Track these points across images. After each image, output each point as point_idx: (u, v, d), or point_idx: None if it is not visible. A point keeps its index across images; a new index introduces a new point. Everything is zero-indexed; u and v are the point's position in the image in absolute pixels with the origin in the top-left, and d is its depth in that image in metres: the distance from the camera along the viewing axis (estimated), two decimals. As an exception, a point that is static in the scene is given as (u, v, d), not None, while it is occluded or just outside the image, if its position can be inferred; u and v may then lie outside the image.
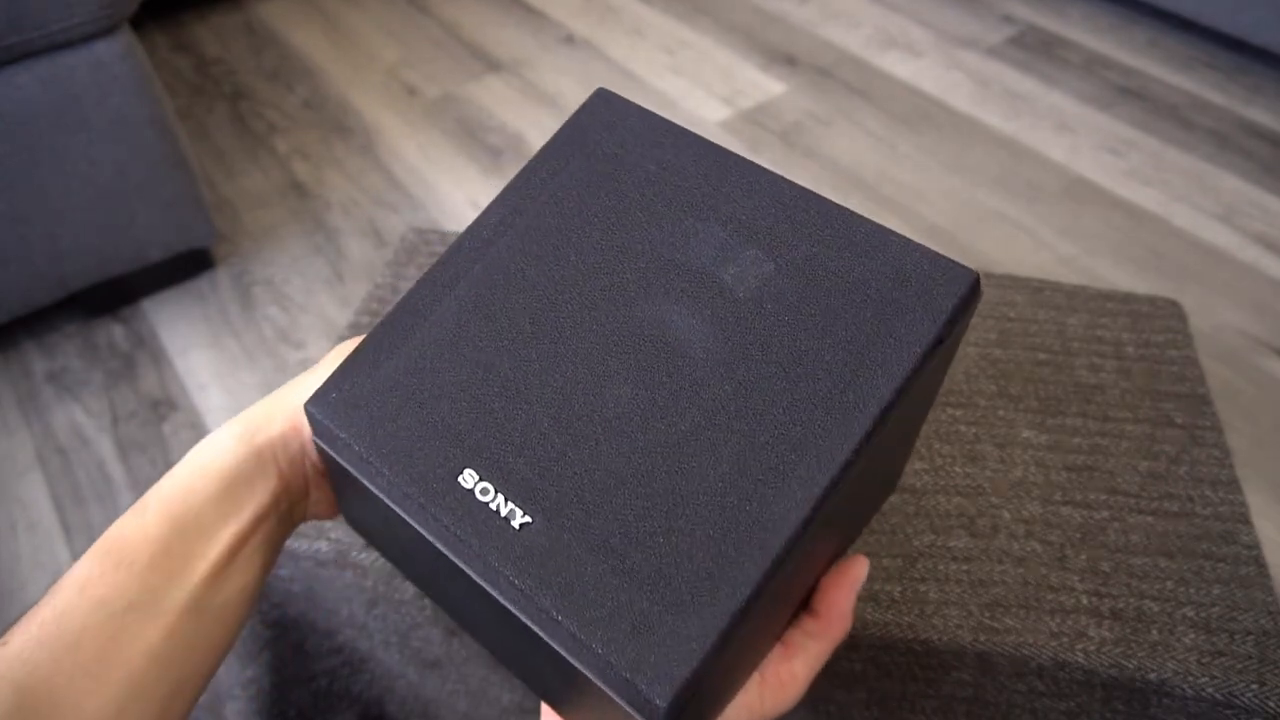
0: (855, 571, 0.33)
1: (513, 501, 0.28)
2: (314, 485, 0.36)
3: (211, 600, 0.31)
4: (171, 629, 0.30)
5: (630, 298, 0.31)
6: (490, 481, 0.28)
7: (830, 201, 0.32)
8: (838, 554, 0.36)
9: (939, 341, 0.28)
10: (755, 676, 0.31)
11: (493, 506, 0.28)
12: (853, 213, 0.31)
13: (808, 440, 0.27)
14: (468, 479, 0.28)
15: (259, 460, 0.33)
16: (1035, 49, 1.60)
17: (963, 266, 0.29)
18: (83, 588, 0.30)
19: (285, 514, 0.34)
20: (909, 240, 0.30)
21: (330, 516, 0.38)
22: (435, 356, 0.31)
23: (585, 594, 0.26)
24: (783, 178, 0.33)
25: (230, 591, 0.32)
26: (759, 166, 0.33)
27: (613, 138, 0.35)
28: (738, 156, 0.34)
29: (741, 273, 0.30)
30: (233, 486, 0.32)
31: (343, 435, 0.30)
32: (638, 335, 0.30)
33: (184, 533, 0.31)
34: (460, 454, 0.29)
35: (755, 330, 0.29)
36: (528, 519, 0.27)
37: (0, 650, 0.29)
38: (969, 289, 0.29)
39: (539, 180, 0.35)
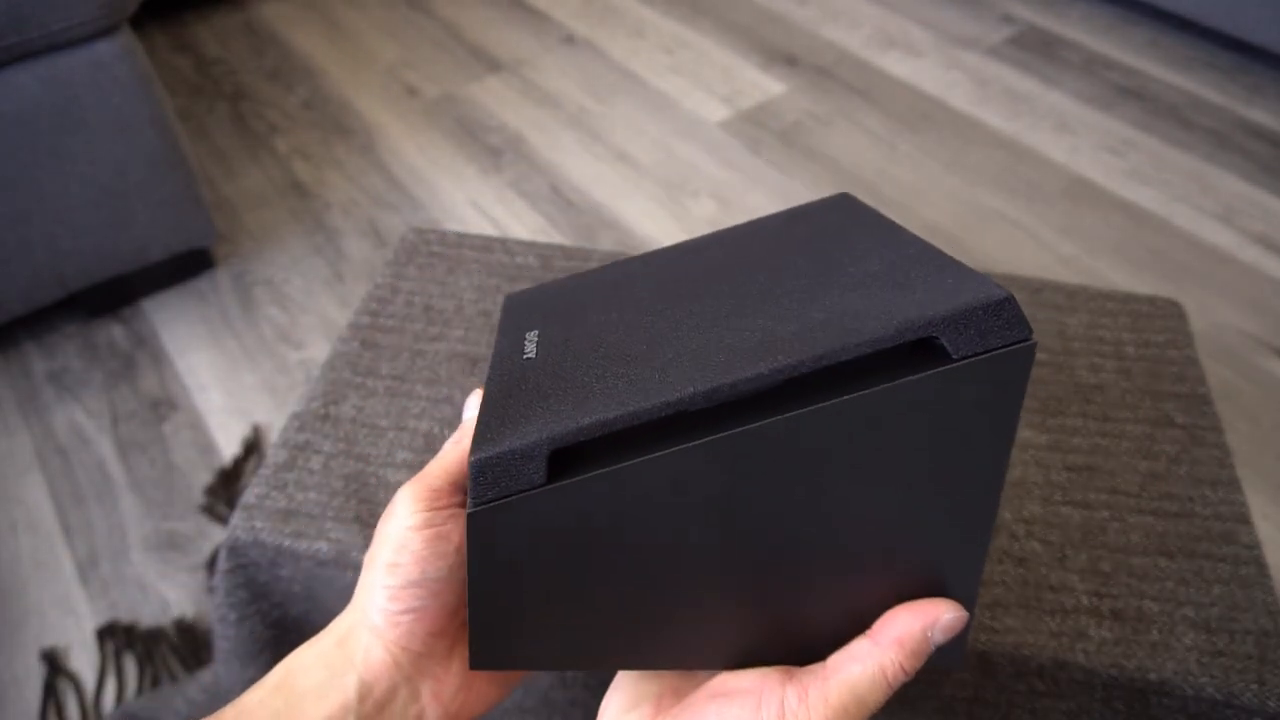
0: (935, 609, 0.28)
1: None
2: (423, 676, 0.32)
3: None
4: None
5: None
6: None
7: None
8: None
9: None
10: (783, 693, 0.28)
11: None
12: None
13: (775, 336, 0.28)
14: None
15: (327, 671, 0.31)
16: (1035, 49, 1.60)
17: (1015, 326, 0.26)
18: None
19: (376, 714, 0.31)
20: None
21: (476, 709, 0.34)
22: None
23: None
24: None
25: None
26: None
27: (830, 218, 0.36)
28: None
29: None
30: (293, 701, 0.30)
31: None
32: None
33: None
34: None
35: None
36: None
37: None
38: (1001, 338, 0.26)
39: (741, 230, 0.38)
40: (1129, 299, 0.62)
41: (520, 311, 0.38)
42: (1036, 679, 0.44)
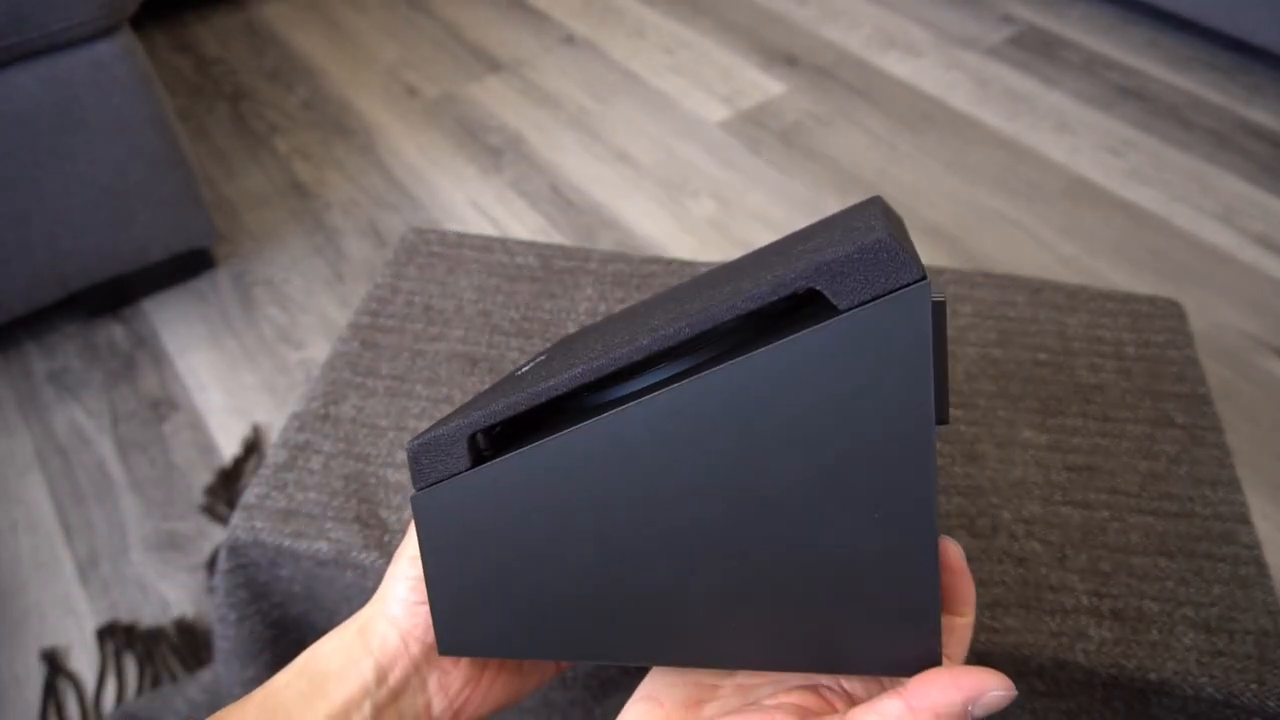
0: (981, 682, 0.25)
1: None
2: (432, 670, 0.34)
3: None
4: None
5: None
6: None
7: None
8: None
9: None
10: None
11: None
12: None
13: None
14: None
15: (346, 656, 0.33)
16: (1035, 49, 1.60)
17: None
18: None
19: (387, 705, 0.32)
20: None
21: (483, 708, 0.35)
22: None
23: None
24: None
25: None
26: None
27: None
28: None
29: None
30: (318, 681, 0.32)
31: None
32: None
33: (268, 715, 0.31)
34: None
35: None
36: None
37: None
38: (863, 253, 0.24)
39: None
40: (1129, 299, 0.62)
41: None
42: (1036, 679, 0.44)
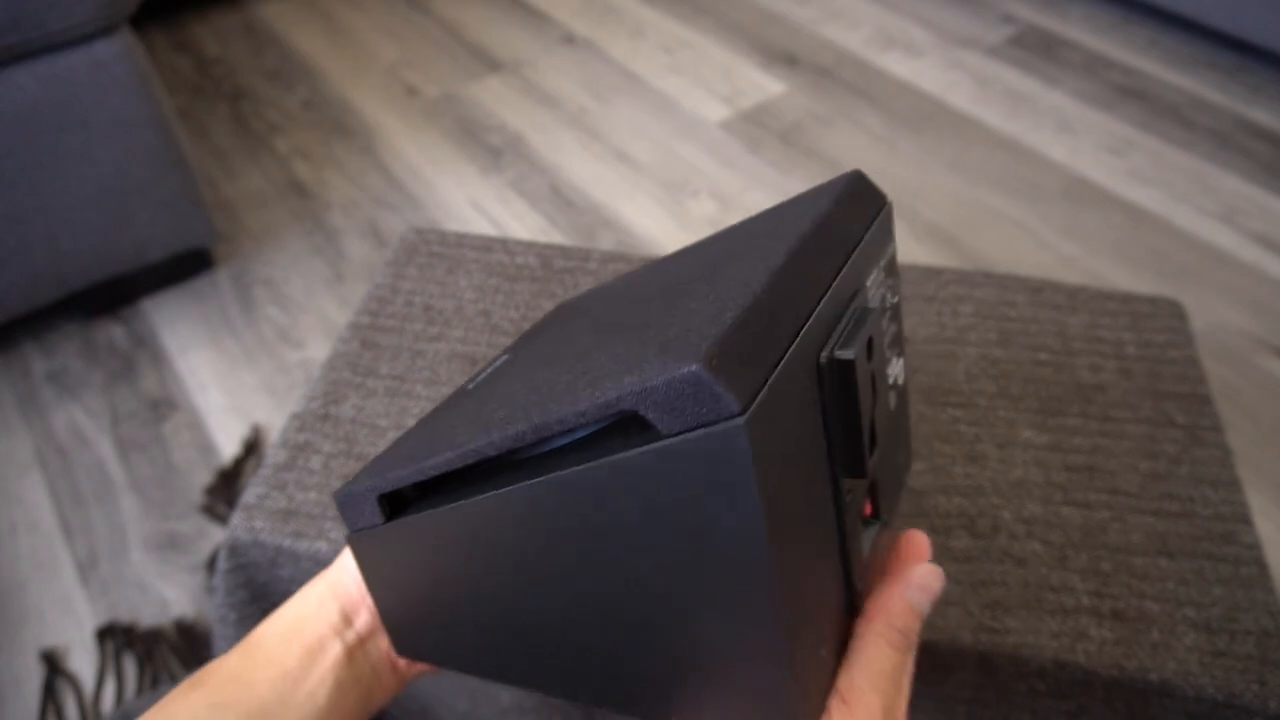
0: (908, 546, 0.31)
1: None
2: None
3: (279, 715, 0.33)
4: None
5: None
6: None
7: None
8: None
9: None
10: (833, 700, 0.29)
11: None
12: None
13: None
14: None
15: (318, 600, 0.37)
16: (1035, 49, 1.60)
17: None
18: (170, 715, 0.32)
19: (355, 648, 0.36)
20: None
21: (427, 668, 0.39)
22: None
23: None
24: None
25: (297, 712, 0.34)
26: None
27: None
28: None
29: None
30: (295, 621, 0.36)
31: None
32: None
33: (250, 656, 0.35)
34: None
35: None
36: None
37: None
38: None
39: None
40: (1129, 299, 0.62)
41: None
42: (1037, 679, 0.44)
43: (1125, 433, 0.53)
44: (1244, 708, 0.42)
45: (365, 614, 0.37)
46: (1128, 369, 0.57)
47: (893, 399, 0.31)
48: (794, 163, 1.38)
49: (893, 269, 0.32)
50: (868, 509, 0.31)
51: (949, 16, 1.69)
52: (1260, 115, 1.43)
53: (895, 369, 0.32)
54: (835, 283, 0.27)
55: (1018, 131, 1.42)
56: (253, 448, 1.01)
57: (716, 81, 1.55)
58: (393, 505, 0.33)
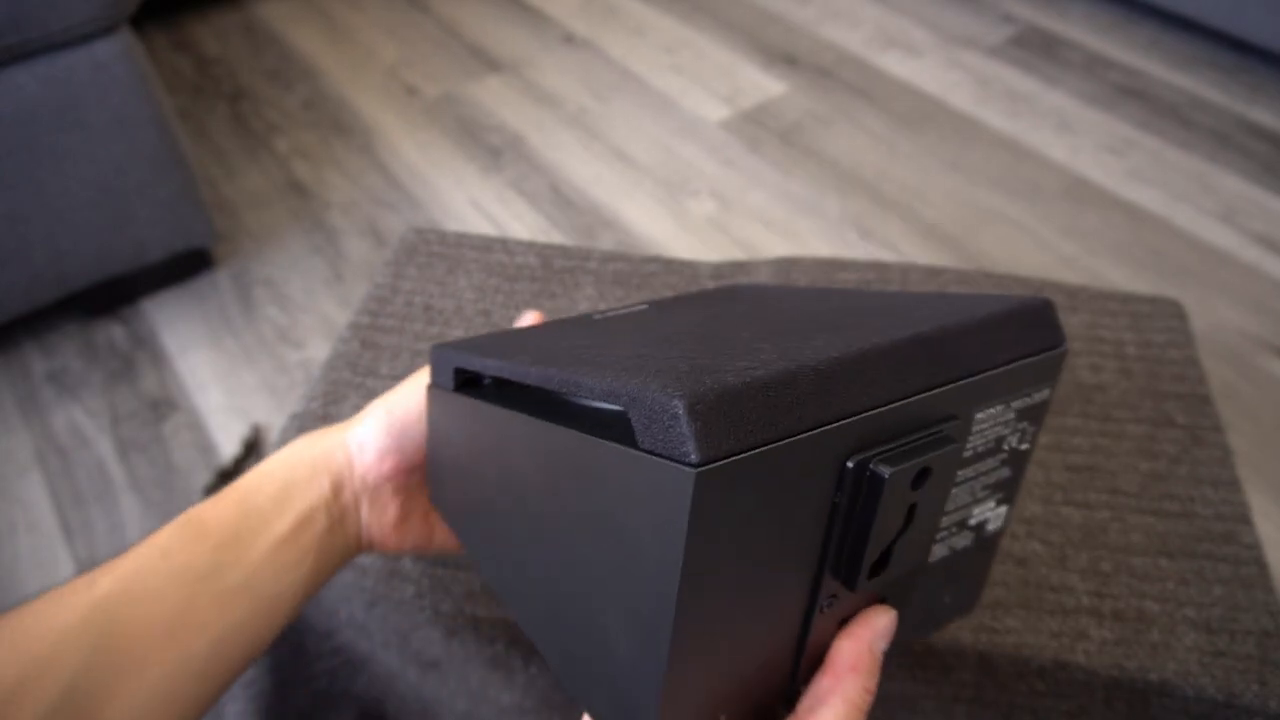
0: (874, 619, 0.29)
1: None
2: (369, 502, 0.40)
3: (263, 588, 0.35)
4: (227, 606, 0.33)
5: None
6: None
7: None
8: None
9: None
10: None
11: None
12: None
13: None
14: None
15: (311, 468, 0.38)
16: (1036, 49, 1.60)
17: None
18: (165, 553, 0.33)
19: (337, 521, 0.38)
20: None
21: (391, 547, 0.41)
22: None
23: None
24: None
25: (281, 584, 0.35)
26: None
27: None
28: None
29: None
30: (287, 486, 0.37)
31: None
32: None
33: (247, 516, 0.36)
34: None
35: None
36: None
37: (87, 592, 0.31)
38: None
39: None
40: (1129, 299, 0.62)
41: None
42: (1037, 679, 0.44)
43: (1125, 433, 0.53)
44: (1244, 708, 0.42)
45: (350, 490, 0.39)
46: (1128, 369, 0.57)
47: (963, 540, 0.30)
48: (794, 163, 1.37)
49: (1036, 416, 0.30)
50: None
51: (949, 16, 1.69)
52: (1260, 115, 1.43)
53: (984, 512, 0.30)
54: (925, 395, 0.25)
55: (1018, 131, 1.42)
56: (253, 448, 1.01)
57: (716, 81, 1.55)
58: (464, 380, 0.36)
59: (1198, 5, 1.51)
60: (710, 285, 0.64)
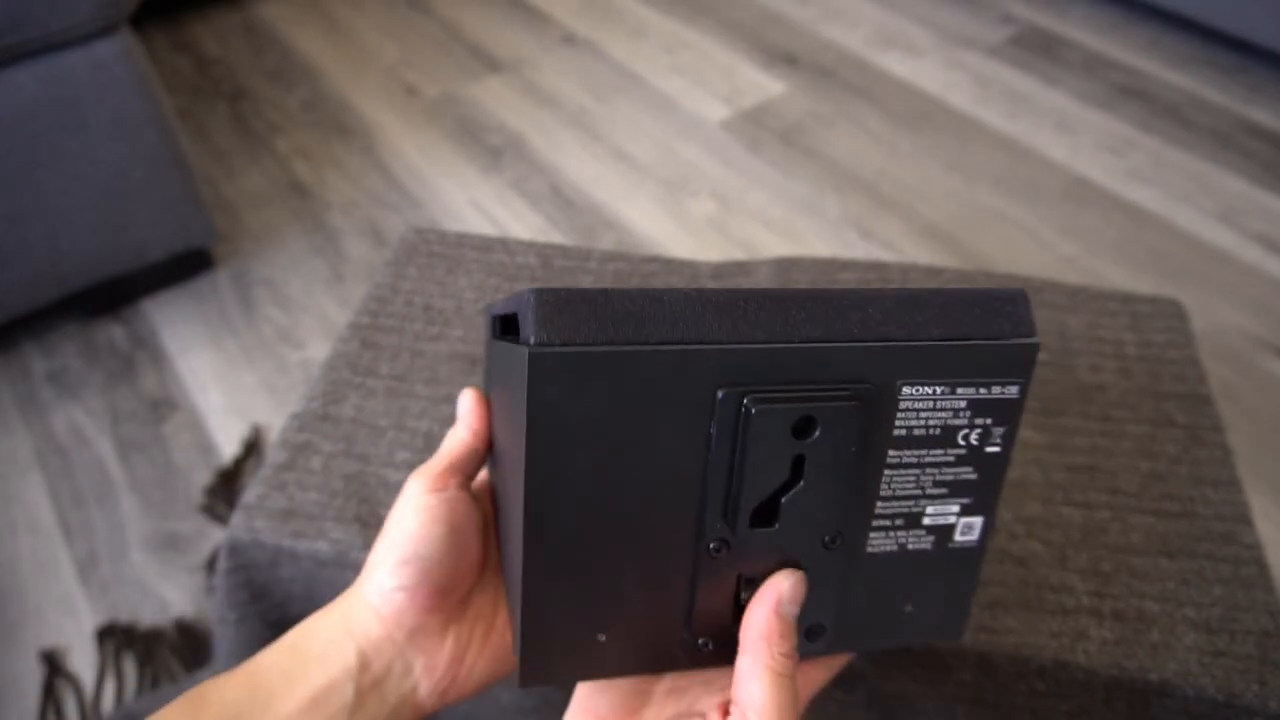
0: (778, 581, 0.28)
1: None
2: (414, 650, 0.34)
3: None
4: None
5: None
6: None
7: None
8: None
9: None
10: None
11: None
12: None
13: None
14: None
15: (327, 636, 0.33)
16: (1035, 49, 1.60)
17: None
18: None
19: (370, 690, 0.33)
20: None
21: (469, 689, 0.36)
22: None
23: None
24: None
25: None
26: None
27: None
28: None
29: None
30: (299, 656, 0.33)
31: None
32: None
33: (253, 694, 0.32)
34: None
35: None
36: None
37: None
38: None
39: None
40: (1129, 299, 0.62)
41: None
42: (1037, 679, 0.44)
43: (1125, 433, 0.53)
44: (1244, 708, 0.42)
45: (387, 653, 0.33)
46: (1128, 369, 0.57)
47: (918, 540, 0.29)
48: (794, 163, 1.37)
49: (1003, 414, 0.28)
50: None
51: (949, 16, 1.69)
52: (1260, 115, 1.43)
53: (944, 514, 0.29)
54: (818, 347, 0.25)
55: (1018, 131, 1.42)
56: (253, 448, 1.01)
57: (717, 81, 1.55)
58: (505, 327, 0.34)
59: (1198, 5, 1.51)
60: (710, 285, 0.64)
